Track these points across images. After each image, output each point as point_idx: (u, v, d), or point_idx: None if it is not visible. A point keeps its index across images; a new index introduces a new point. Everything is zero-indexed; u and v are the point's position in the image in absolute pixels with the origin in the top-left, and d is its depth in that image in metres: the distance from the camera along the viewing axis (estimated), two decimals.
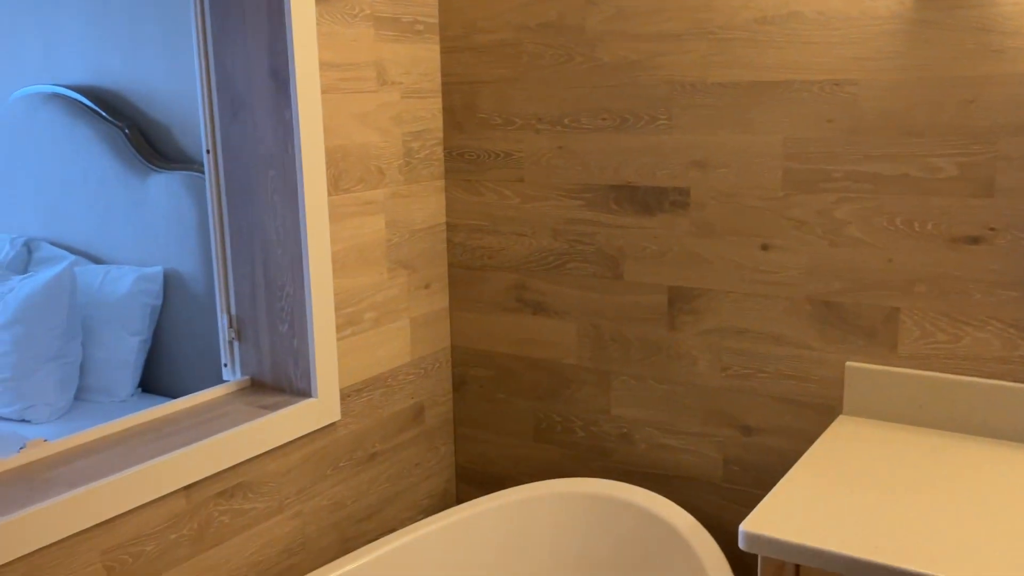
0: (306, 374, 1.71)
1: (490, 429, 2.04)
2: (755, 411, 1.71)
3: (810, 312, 1.63)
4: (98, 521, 1.34)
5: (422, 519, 1.74)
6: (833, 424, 1.57)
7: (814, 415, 1.65)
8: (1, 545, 1.22)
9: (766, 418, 1.70)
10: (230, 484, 1.57)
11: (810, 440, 1.67)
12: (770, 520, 1.23)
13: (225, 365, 1.81)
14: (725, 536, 1.79)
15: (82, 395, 2.52)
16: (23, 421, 2.42)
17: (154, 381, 2.59)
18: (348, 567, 1.61)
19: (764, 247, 1.65)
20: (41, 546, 1.27)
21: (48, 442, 1.47)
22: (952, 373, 1.53)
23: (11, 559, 1.24)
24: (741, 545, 1.21)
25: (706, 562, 1.53)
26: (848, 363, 1.60)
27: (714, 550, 1.56)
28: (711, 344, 1.73)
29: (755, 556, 1.74)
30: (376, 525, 1.90)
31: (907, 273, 1.54)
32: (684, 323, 1.76)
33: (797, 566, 1.20)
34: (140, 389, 2.59)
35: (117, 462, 1.42)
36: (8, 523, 1.23)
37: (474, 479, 2.09)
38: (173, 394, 2.56)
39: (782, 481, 1.35)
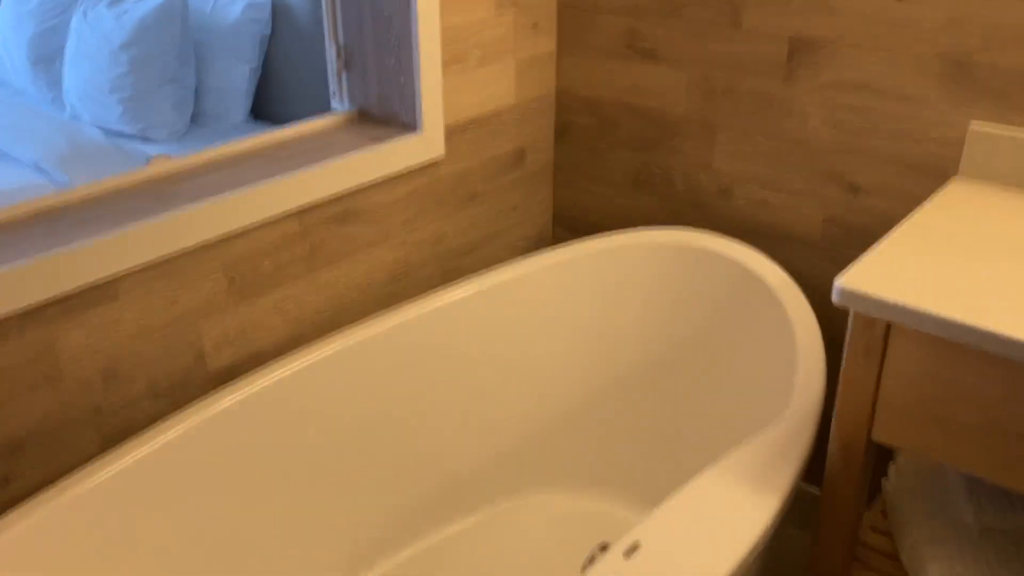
0: (412, 108, 1.72)
1: (589, 177, 2.05)
2: (864, 170, 1.66)
3: (939, 70, 1.53)
4: (220, 233, 1.43)
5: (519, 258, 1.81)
6: (946, 185, 1.52)
7: (927, 178, 1.60)
8: (139, 246, 1.33)
9: (875, 178, 1.66)
10: (339, 210, 1.64)
11: (919, 203, 1.63)
12: (867, 276, 1.22)
13: (333, 94, 1.84)
14: (817, 296, 1.81)
15: (197, 119, 2.61)
16: (144, 139, 2.53)
17: (264, 108, 2.66)
18: (450, 299, 1.70)
19: None
20: (171, 252, 1.38)
21: (172, 159, 1.55)
22: None
23: (148, 260, 1.35)
24: (835, 299, 1.22)
25: (793, 315, 1.57)
26: (972, 124, 1.52)
27: (803, 304, 1.59)
28: (826, 99, 1.66)
29: (845, 317, 1.77)
30: (474, 260, 1.98)
31: None
32: (801, 76, 1.68)
33: (888, 325, 1.21)
34: (251, 116, 2.67)
35: (235, 180, 1.50)
36: (144, 227, 1.33)
37: (570, 225, 2.13)
38: (282, 121, 2.62)
39: (884, 239, 1.33)
